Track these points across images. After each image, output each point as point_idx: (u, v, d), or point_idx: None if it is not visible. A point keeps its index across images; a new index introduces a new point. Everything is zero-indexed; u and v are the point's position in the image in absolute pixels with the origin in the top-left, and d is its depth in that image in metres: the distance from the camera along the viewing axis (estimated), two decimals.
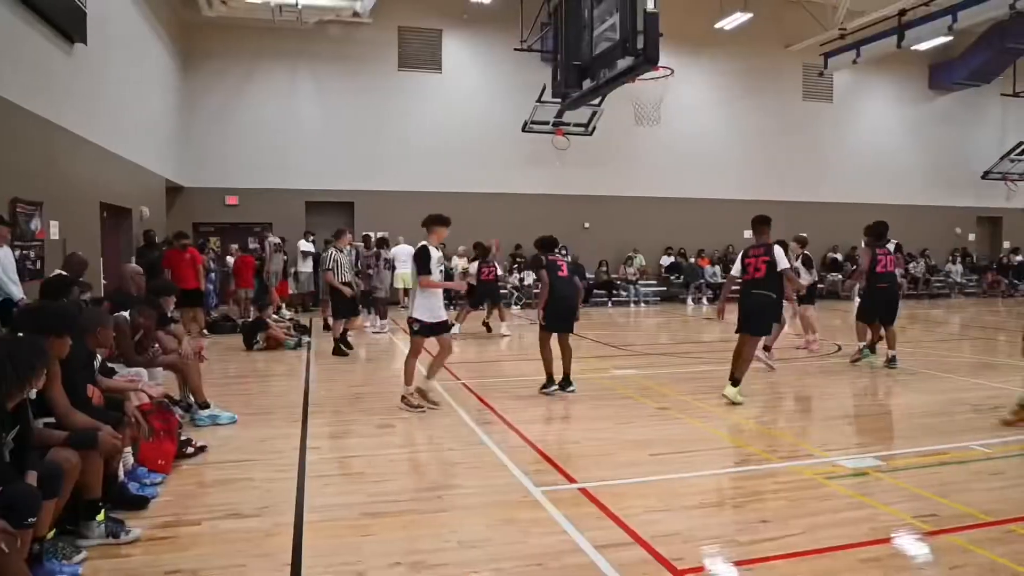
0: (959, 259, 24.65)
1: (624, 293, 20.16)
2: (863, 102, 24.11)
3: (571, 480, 4.86)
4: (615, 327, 15.71)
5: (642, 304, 20.15)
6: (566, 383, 7.80)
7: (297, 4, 16.19)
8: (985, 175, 24.77)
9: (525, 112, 18.69)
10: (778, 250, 7.39)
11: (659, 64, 6.60)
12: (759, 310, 7.38)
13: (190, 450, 5.39)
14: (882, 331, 9.64)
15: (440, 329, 7.12)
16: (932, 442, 5.89)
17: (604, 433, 6.17)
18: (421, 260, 6.92)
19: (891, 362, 9.40)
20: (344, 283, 11.04)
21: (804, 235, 12.49)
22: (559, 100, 8.74)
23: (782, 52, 22.51)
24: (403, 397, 7.06)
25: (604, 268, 20.26)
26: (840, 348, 11.26)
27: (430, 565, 3.59)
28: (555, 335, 7.84)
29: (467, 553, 3.74)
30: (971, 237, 25.91)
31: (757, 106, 22.54)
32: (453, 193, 19.80)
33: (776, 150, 22.68)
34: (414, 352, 7.13)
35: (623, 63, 6.20)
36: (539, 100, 17.67)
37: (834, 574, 3.50)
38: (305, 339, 11.95)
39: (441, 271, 7.20)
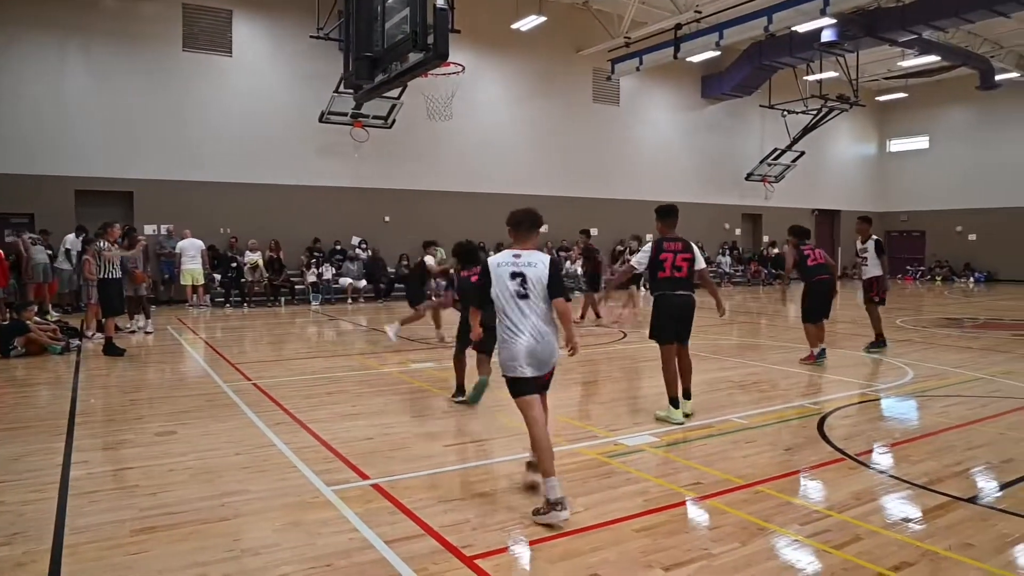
0: (728, 251, 27.39)
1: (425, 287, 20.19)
2: (646, 107, 26.02)
3: (364, 476, 4.80)
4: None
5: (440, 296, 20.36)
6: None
7: None
8: (747, 177, 27.74)
9: (322, 102, 18.21)
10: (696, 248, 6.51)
11: (453, 61, 6.68)
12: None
13: None
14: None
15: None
16: (699, 417, 6.50)
17: (398, 427, 6.17)
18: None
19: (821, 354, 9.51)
20: (113, 279, 10.33)
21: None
22: (353, 91, 8.58)
23: (574, 56, 23.69)
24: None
25: (405, 263, 20.18)
26: (625, 336, 12.08)
27: None
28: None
29: (252, 561, 3.58)
30: (737, 232, 28.89)
31: (551, 106, 23.56)
32: (245, 184, 18.85)
33: (569, 148, 23.86)
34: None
35: (414, 57, 6.22)
36: (336, 91, 17.31)
37: (611, 545, 3.75)
38: (74, 342, 10.81)
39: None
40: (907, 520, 4.12)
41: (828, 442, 5.69)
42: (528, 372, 4.35)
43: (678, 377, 6.35)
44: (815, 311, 9.57)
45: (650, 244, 6.41)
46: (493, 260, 4.58)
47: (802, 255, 9.67)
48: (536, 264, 4.43)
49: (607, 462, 5.16)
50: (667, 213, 6.52)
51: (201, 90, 18.44)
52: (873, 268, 10.51)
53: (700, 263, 6.40)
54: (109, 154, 17.36)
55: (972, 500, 4.44)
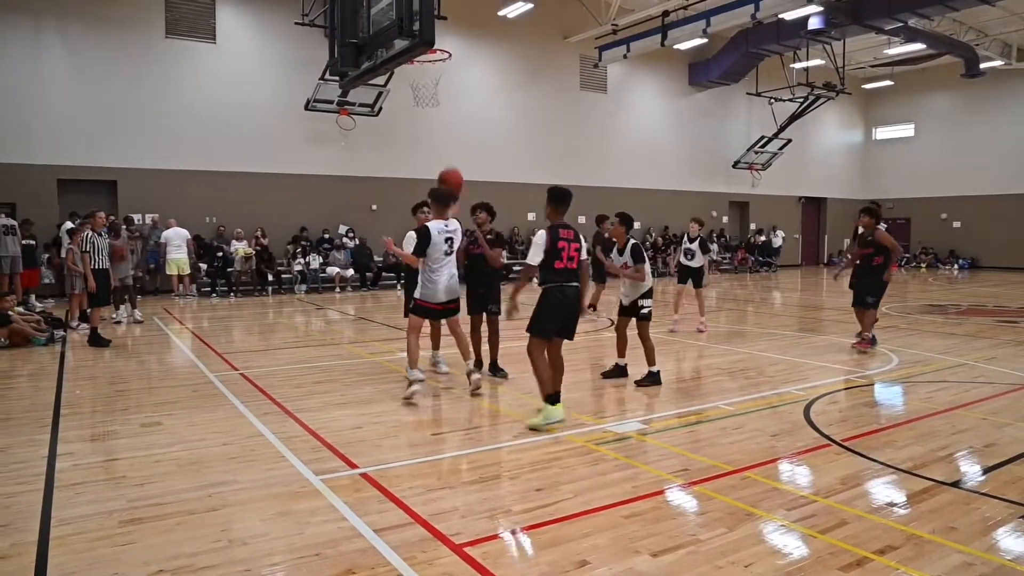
0: (715, 239, 27.45)
1: None
2: (633, 94, 25.97)
3: (352, 466, 4.80)
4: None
5: None
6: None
7: None
8: (735, 164, 27.79)
9: (308, 90, 18.07)
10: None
11: (440, 48, 6.64)
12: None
13: None
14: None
15: None
16: (687, 404, 6.54)
17: (387, 416, 6.15)
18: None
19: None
20: (102, 269, 10.21)
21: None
22: (338, 79, 8.50)
23: (561, 43, 23.61)
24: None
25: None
26: (613, 323, 12.06)
27: (198, 568, 3.38)
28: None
29: (239, 551, 3.57)
30: (724, 219, 28.96)
31: (538, 93, 23.48)
32: (232, 173, 18.72)
33: (556, 136, 23.81)
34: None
35: (400, 44, 6.16)
36: (322, 78, 17.17)
37: (599, 532, 3.76)
38: (59, 333, 10.73)
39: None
40: (892, 504, 4.17)
41: (814, 428, 5.74)
42: (444, 299, 6.63)
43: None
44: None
45: (544, 234, 5.75)
46: (433, 227, 6.50)
47: None
48: (457, 231, 6.69)
49: (595, 449, 5.18)
50: (563, 198, 5.92)
51: (185, 77, 18.24)
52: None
53: (584, 253, 5.96)
54: (91, 142, 17.16)
55: (956, 484, 4.49)
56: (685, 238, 11.85)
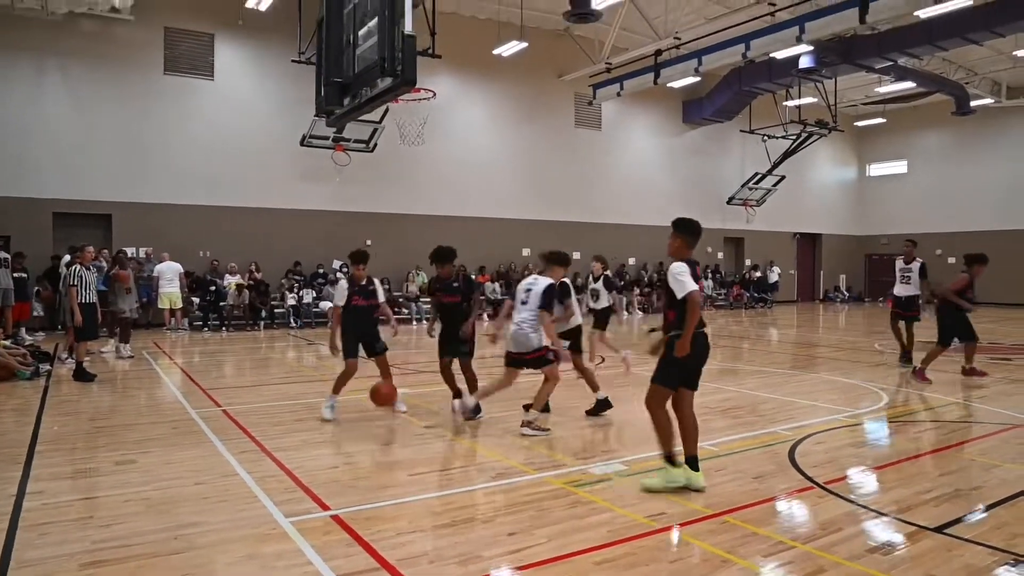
0: (710, 275, 27.49)
1: (406, 311, 20.14)
2: (627, 131, 26.19)
3: (324, 507, 4.70)
4: (398, 345, 15.58)
5: (424, 321, 20.25)
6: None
7: None
8: (729, 201, 27.91)
9: (304, 126, 18.19)
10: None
11: (432, 87, 6.69)
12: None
13: None
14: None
15: None
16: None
17: (363, 456, 6.07)
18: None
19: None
20: (89, 303, 10.16)
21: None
22: (324, 116, 8.56)
23: (555, 81, 23.86)
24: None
25: (387, 286, 20.10)
26: (604, 360, 11.99)
27: None
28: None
29: None
30: (720, 255, 29.01)
31: (533, 130, 23.67)
32: (226, 207, 18.77)
33: (552, 173, 23.95)
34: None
35: (383, 83, 6.22)
36: (317, 114, 17.27)
37: None
38: (44, 367, 10.63)
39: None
40: (872, 551, 4.07)
41: (798, 470, 5.65)
42: (513, 349, 6.92)
43: None
44: None
45: (685, 266, 5.01)
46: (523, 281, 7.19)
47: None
48: (536, 282, 7.02)
49: (573, 491, 5.09)
50: (696, 230, 5.17)
51: (182, 113, 18.39)
52: (915, 288, 11.42)
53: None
54: (88, 176, 17.24)
55: (939, 530, 4.39)
56: (590, 278, 10.72)
